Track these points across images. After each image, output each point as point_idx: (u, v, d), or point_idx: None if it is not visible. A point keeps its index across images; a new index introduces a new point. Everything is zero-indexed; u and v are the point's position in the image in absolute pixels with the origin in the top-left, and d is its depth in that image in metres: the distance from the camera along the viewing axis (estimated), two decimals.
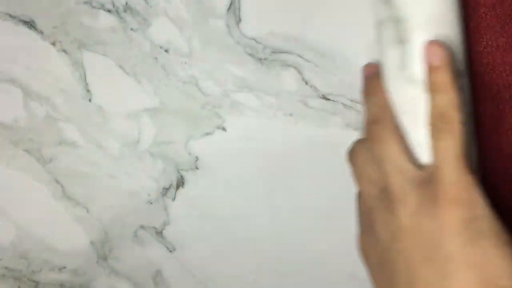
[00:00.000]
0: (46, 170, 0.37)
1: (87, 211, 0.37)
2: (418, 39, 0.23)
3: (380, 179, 0.23)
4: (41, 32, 0.36)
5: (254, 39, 0.36)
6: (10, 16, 0.35)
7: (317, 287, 0.37)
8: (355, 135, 0.36)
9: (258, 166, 0.37)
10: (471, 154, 0.23)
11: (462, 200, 0.21)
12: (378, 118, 0.24)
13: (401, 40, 0.24)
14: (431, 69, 0.23)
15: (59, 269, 0.38)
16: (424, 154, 0.23)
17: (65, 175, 0.37)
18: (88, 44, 0.36)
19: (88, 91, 0.36)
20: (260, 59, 0.36)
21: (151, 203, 0.37)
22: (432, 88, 0.23)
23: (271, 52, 0.36)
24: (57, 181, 0.37)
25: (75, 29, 0.36)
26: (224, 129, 0.36)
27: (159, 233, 0.37)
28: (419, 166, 0.23)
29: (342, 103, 0.36)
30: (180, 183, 0.37)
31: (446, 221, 0.21)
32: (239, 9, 0.35)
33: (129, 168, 0.37)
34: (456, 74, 0.23)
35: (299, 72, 0.36)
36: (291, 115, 0.36)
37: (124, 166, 0.37)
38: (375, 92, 0.25)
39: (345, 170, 0.37)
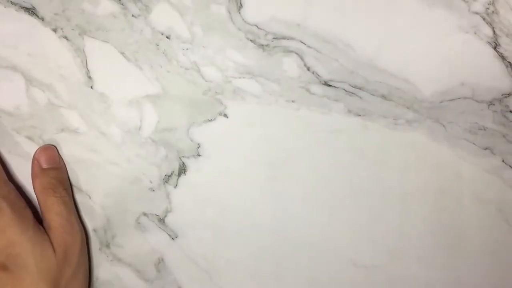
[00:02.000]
0: None
1: (89, 198, 0.37)
2: None
3: None
4: (42, 19, 0.36)
5: (255, 25, 0.36)
6: (12, 2, 0.36)
7: (320, 274, 0.38)
8: (357, 121, 0.37)
9: (260, 152, 0.37)
10: None
11: None
12: None
13: None
14: None
15: None
16: None
17: (67, 162, 0.37)
18: (89, 30, 0.36)
19: (89, 77, 0.36)
20: (262, 45, 0.36)
21: (153, 190, 0.37)
22: None
23: (273, 38, 0.36)
24: None
25: (76, 15, 0.36)
26: (226, 115, 0.37)
27: (161, 220, 0.38)
28: None
29: (344, 89, 0.36)
30: (182, 170, 0.37)
31: None
32: None
33: (131, 155, 0.37)
34: None
35: (301, 58, 0.36)
36: (293, 101, 0.36)
37: (126, 153, 0.37)
38: None
39: (347, 156, 0.37)
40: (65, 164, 0.37)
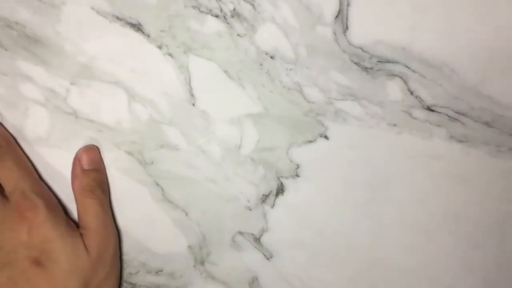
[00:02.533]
0: (147, 173, 0.37)
1: (186, 214, 0.38)
2: None
3: None
4: (148, 35, 0.36)
5: (360, 47, 0.36)
6: (118, 18, 0.36)
7: None
8: (458, 148, 0.36)
9: (360, 175, 0.37)
10: None
11: None
12: None
13: None
14: None
15: (156, 272, 0.38)
16: None
17: (166, 178, 0.37)
18: (194, 48, 0.36)
19: (192, 95, 0.36)
20: (366, 68, 0.36)
21: (250, 209, 0.37)
22: None
23: (377, 61, 0.36)
24: (157, 184, 0.37)
25: (182, 33, 0.36)
26: (326, 137, 0.37)
27: (257, 240, 0.38)
28: None
29: (447, 115, 0.36)
30: (280, 190, 0.37)
31: None
32: (346, 17, 0.35)
33: (230, 173, 0.37)
34: None
35: (405, 82, 0.36)
36: (394, 125, 0.36)
37: (224, 171, 0.37)
38: None
39: (447, 183, 0.37)
40: (105, 166, 0.38)
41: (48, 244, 0.34)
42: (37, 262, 0.34)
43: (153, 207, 0.38)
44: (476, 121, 0.37)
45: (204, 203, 0.38)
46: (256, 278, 0.39)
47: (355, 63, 0.37)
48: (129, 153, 0.38)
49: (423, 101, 0.37)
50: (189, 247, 0.39)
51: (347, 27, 0.36)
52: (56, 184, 0.38)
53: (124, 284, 0.38)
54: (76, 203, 0.37)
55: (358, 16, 0.36)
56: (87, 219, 0.36)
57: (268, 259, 0.38)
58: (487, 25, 0.36)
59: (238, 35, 0.37)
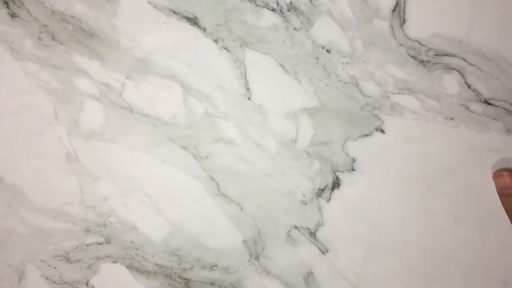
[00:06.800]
0: (202, 167, 0.37)
1: (241, 209, 0.38)
2: None
3: None
4: (204, 29, 0.36)
5: (417, 41, 0.36)
6: (174, 12, 0.36)
7: None
8: None
9: (416, 169, 0.37)
10: None
11: None
12: None
13: None
14: None
15: (211, 267, 0.38)
16: None
17: (221, 172, 0.37)
18: (250, 42, 0.36)
19: (248, 89, 0.37)
20: (423, 61, 0.36)
21: (306, 203, 0.37)
22: None
23: (434, 54, 0.36)
24: (212, 178, 0.37)
25: (239, 27, 0.36)
26: (382, 130, 0.37)
27: (312, 234, 0.38)
28: None
29: (504, 108, 0.36)
30: (336, 184, 0.37)
31: None
32: (404, 10, 0.36)
33: (285, 167, 0.37)
34: None
35: (462, 75, 0.36)
36: (451, 118, 0.37)
37: (280, 165, 0.37)
38: None
39: None
40: None
41: None
42: None
43: (208, 202, 0.38)
44: None
45: (259, 197, 0.38)
46: (311, 273, 0.39)
47: (411, 56, 0.37)
48: (184, 147, 0.38)
49: (480, 94, 0.37)
50: (244, 241, 0.39)
51: (404, 21, 0.36)
52: (110, 179, 0.38)
53: (178, 279, 0.39)
54: None
55: (415, 10, 0.36)
56: None
57: (323, 253, 0.39)
58: None
59: (294, 29, 0.37)
